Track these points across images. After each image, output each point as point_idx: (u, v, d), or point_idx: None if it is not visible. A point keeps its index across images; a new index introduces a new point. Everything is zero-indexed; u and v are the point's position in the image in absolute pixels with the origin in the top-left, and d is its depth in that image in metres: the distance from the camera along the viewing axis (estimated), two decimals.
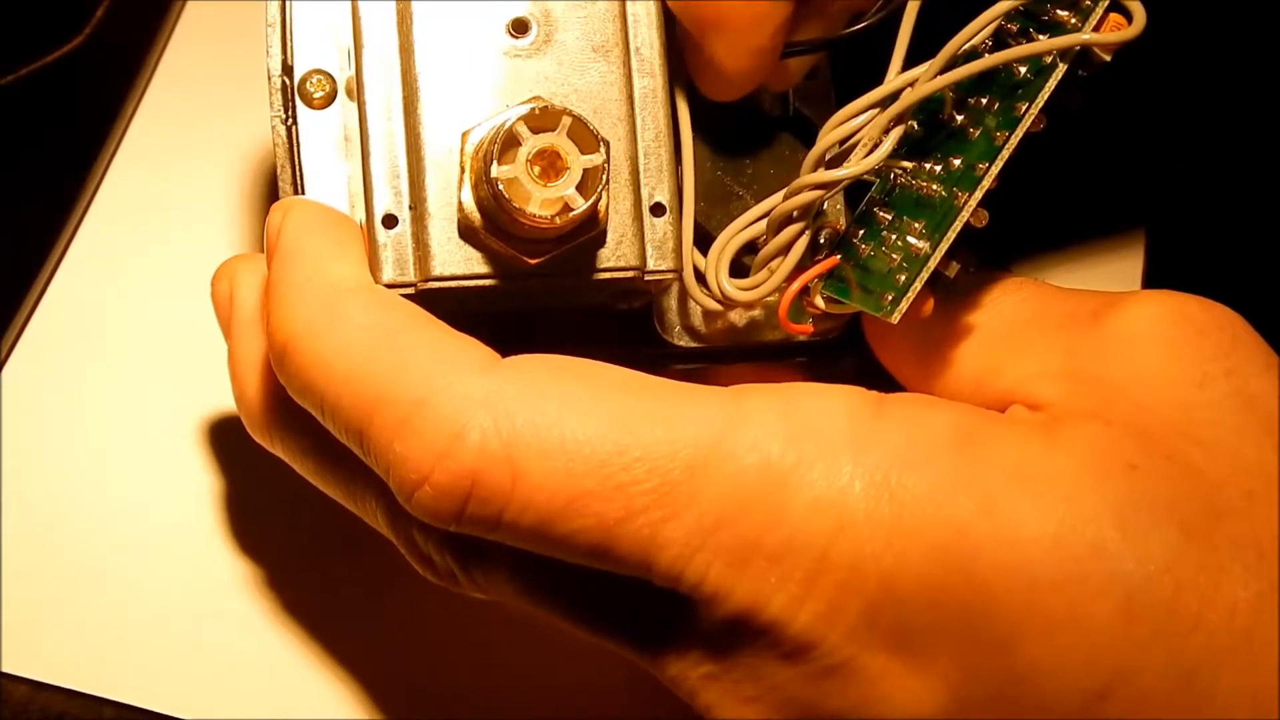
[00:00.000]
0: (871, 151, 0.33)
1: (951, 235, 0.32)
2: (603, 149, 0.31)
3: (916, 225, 0.33)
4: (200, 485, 0.42)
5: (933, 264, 0.32)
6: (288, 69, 0.34)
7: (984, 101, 0.33)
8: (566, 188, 0.31)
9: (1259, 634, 0.28)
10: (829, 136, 0.33)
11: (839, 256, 0.34)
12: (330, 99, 0.34)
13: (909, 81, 0.33)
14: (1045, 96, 0.32)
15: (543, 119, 0.31)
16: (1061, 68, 0.32)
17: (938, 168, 0.33)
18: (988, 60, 0.32)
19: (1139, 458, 0.29)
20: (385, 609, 0.41)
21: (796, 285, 0.34)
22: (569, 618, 0.32)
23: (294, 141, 0.34)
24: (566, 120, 0.31)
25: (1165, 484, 0.29)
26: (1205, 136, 0.42)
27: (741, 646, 0.30)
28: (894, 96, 0.33)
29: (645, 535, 0.29)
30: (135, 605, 0.40)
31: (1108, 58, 0.32)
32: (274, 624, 0.41)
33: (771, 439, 0.29)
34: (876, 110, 0.33)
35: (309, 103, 0.34)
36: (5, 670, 0.39)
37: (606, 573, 0.30)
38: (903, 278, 0.32)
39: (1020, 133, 0.32)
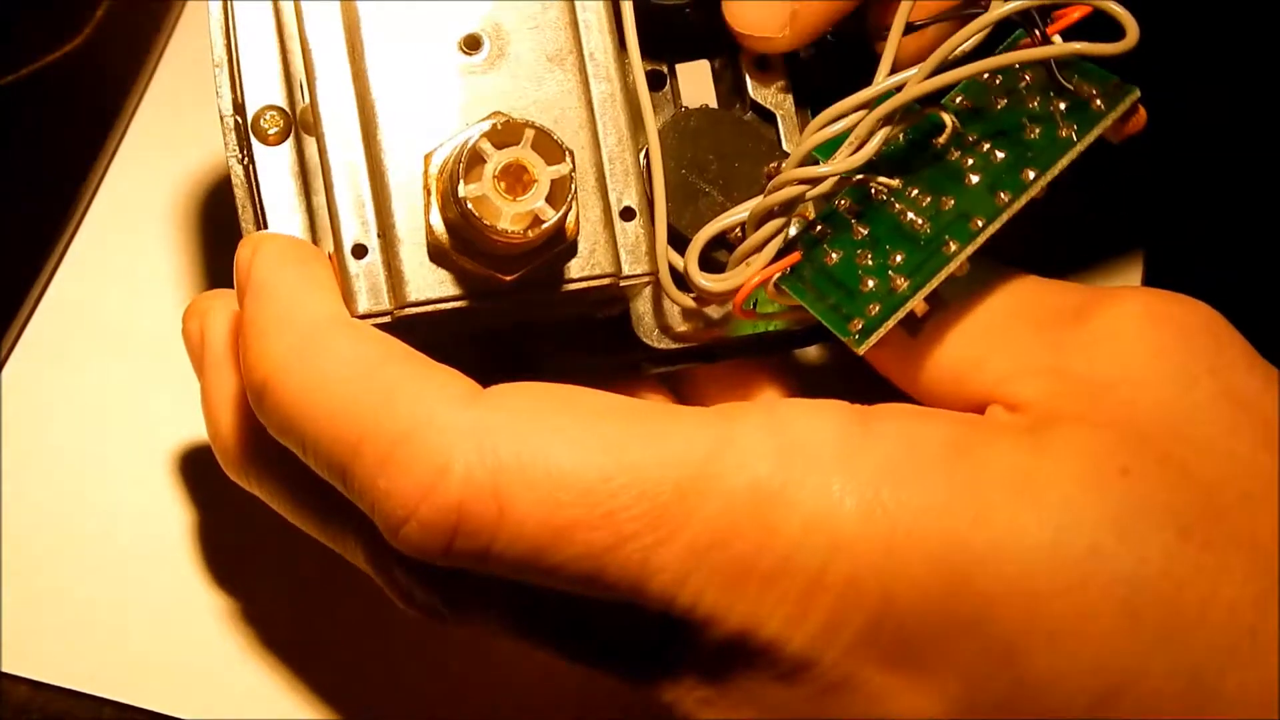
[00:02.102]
0: (858, 149, 0.32)
1: (935, 282, 0.32)
2: (568, 159, 0.30)
3: (897, 257, 0.32)
4: (201, 485, 0.42)
5: (909, 306, 0.32)
6: (239, 108, 0.34)
7: (986, 146, 0.33)
8: (535, 200, 0.30)
9: (1262, 631, 0.28)
10: (814, 136, 0.33)
11: (800, 253, 0.34)
12: (285, 134, 0.34)
13: (898, 84, 0.32)
14: (1056, 172, 0.32)
15: (505, 134, 0.30)
16: (1079, 148, 0.32)
17: (926, 199, 0.33)
18: (979, 65, 0.32)
19: (1132, 461, 0.29)
20: (385, 607, 0.41)
21: (756, 279, 0.34)
22: (559, 648, 0.32)
23: (253, 180, 0.33)
24: (529, 133, 0.30)
25: (1160, 487, 0.29)
26: (1204, 135, 0.41)
27: (738, 669, 0.30)
28: (882, 99, 0.32)
29: (636, 561, 0.29)
30: (135, 605, 0.41)
31: (1117, 140, 0.32)
32: (275, 624, 0.41)
33: (760, 458, 0.29)
34: (864, 111, 0.33)
35: (264, 140, 0.33)
36: (5, 670, 0.39)
37: (597, 601, 0.30)
38: (875, 309, 0.32)
39: (1025, 199, 0.32)
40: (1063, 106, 0.32)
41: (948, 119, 0.33)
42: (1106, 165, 0.34)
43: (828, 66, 0.36)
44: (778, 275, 0.34)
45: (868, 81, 0.33)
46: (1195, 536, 0.28)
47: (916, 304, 0.32)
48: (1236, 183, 0.42)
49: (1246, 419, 0.30)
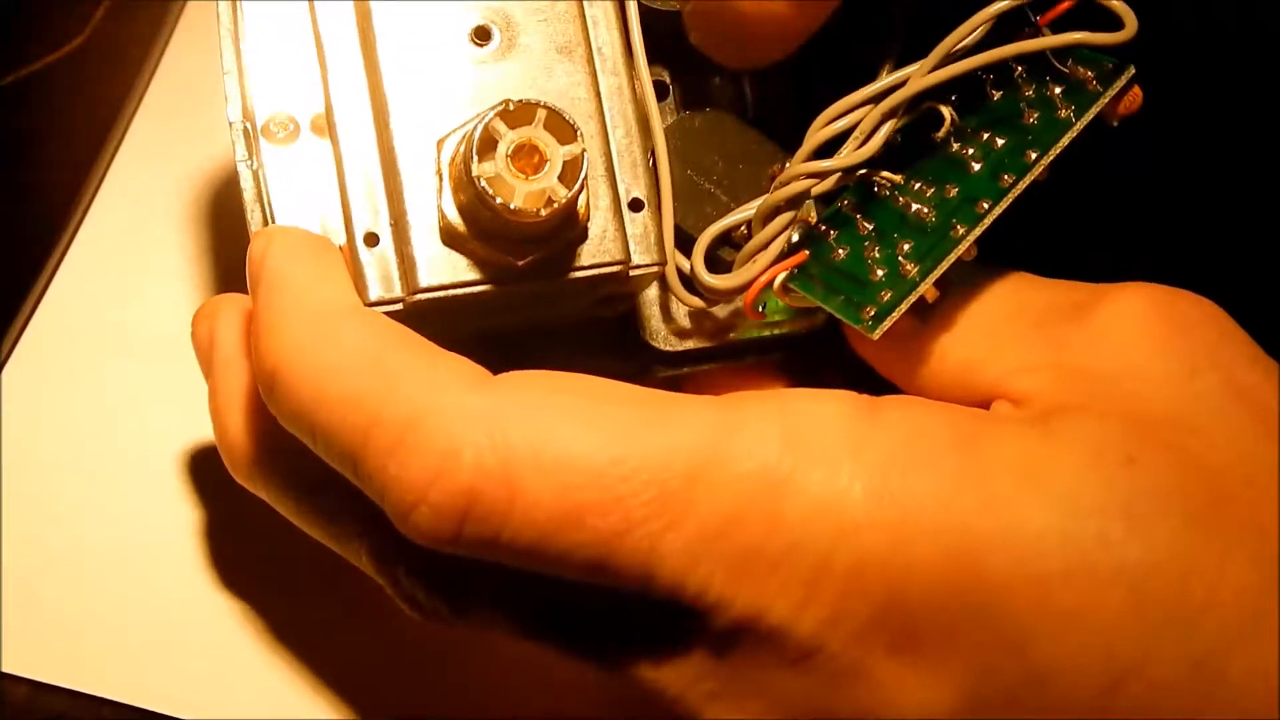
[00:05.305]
0: (863, 144, 0.33)
1: (945, 265, 0.32)
2: (580, 138, 0.31)
3: (905, 245, 0.33)
4: (202, 485, 0.42)
5: (921, 289, 0.32)
6: (248, 114, 0.34)
7: (985, 135, 0.33)
8: (549, 179, 0.31)
9: (1266, 616, 0.28)
10: (820, 132, 0.33)
11: (807, 252, 0.34)
12: (294, 138, 0.34)
13: (901, 79, 0.32)
14: (1058, 151, 0.32)
15: (518, 114, 0.31)
16: (1079, 126, 0.32)
17: (929, 190, 0.33)
18: (982, 57, 0.32)
19: (1137, 449, 0.29)
20: (387, 608, 0.41)
21: (764, 279, 0.34)
22: (563, 646, 0.32)
23: (261, 183, 0.34)
24: (542, 113, 0.31)
25: (1165, 473, 0.29)
26: (1206, 132, 0.41)
27: (745, 658, 0.30)
28: (886, 93, 0.33)
29: (645, 546, 0.29)
30: (135, 605, 0.40)
31: (1115, 123, 0.32)
32: (276, 624, 0.41)
33: (768, 445, 0.29)
34: (869, 106, 0.33)
35: (273, 142, 0.34)
36: (5, 670, 0.39)
37: (602, 597, 0.30)
38: (887, 295, 0.32)
39: (1028, 180, 0.32)
40: (1059, 90, 0.32)
41: (946, 112, 0.33)
42: (1107, 163, 0.34)
43: (827, 71, 0.37)
44: (785, 275, 0.34)
45: (867, 80, 0.33)
46: (1201, 523, 0.29)
47: (927, 289, 0.32)
48: (1238, 179, 0.42)
49: (1248, 409, 0.30)
